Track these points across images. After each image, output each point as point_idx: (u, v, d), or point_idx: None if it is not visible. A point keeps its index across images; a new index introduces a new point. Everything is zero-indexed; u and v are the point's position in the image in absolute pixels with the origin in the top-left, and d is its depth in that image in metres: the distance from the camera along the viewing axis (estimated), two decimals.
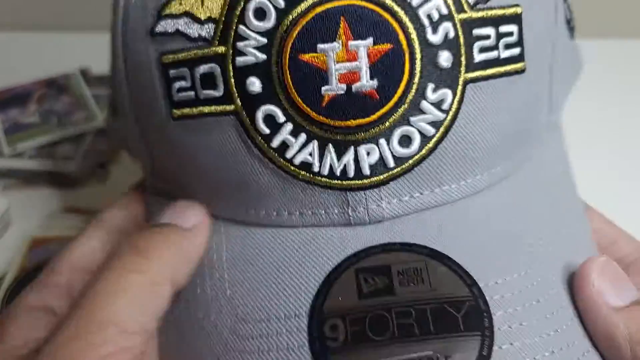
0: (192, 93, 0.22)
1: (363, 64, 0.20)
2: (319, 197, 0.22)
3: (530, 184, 0.25)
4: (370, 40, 0.20)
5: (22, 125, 0.53)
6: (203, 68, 0.22)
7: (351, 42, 0.20)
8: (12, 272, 0.39)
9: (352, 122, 0.21)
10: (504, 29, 0.22)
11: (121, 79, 0.25)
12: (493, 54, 0.22)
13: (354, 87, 0.20)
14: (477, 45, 0.22)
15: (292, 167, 0.22)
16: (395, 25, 0.20)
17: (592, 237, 0.25)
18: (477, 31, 0.22)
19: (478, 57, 0.22)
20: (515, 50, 0.23)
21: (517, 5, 0.22)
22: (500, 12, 0.22)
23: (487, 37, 0.22)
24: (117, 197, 0.30)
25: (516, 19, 0.22)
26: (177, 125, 0.23)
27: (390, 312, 0.19)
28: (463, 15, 0.21)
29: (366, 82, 0.20)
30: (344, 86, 0.20)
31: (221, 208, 0.24)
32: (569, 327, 0.21)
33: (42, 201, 0.46)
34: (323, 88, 0.21)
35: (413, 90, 0.21)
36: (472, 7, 0.21)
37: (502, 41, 0.22)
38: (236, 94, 0.21)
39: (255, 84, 0.21)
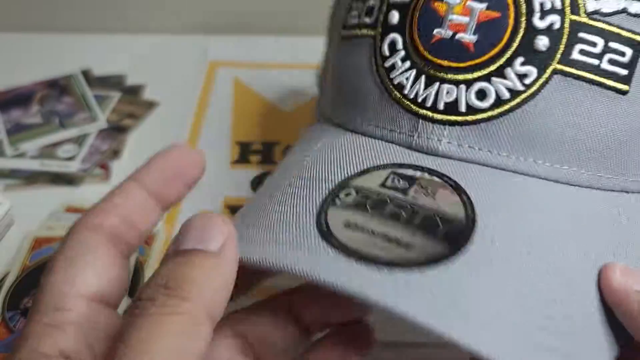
0: (356, 20, 0.29)
1: (472, 20, 0.25)
2: (397, 115, 0.26)
3: (596, 208, 0.25)
4: (484, 5, 0.25)
5: (24, 125, 0.53)
6: (371, 2, 0.29)
7: (469, 2, 0.25)
8: (14, 272, 0.39)
9: (445, 62, 0.25)
10: (614, 45, 0.24)
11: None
12: (593, 61, 0.24)
13: (458, 35, 0.25)
14: (578, 46, 0.24)
15: (391, 85, 0.27)
16: (510, 1, 0.24)
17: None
18: (583, 35, 0.24)
19: (576, 56, 0.24)
20: (621, 71, 0.24)
21: (638, 33, 0.24)
22: (615, 30, 0.24)
23: (593, 44, 0.24)
24: None
25: (633, 43, 0.24)
26: (341, 46, 0.30)
27: (392, 202, 0.23)
28: (575, 17, 0.24)
29: (467, 35, 0.25)
30: (450, 32, 0.25)
31: (341, 114, 0.30)
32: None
33: (44, 201, 0.46)
34: (435, 30, 0.25)
35: (504, 58, 0.24)
36: (589, 15, 0.24)
37: (608, 55, 0.24)
38: (381, 22, 0.28)
39: (395, 17, 0.27)
